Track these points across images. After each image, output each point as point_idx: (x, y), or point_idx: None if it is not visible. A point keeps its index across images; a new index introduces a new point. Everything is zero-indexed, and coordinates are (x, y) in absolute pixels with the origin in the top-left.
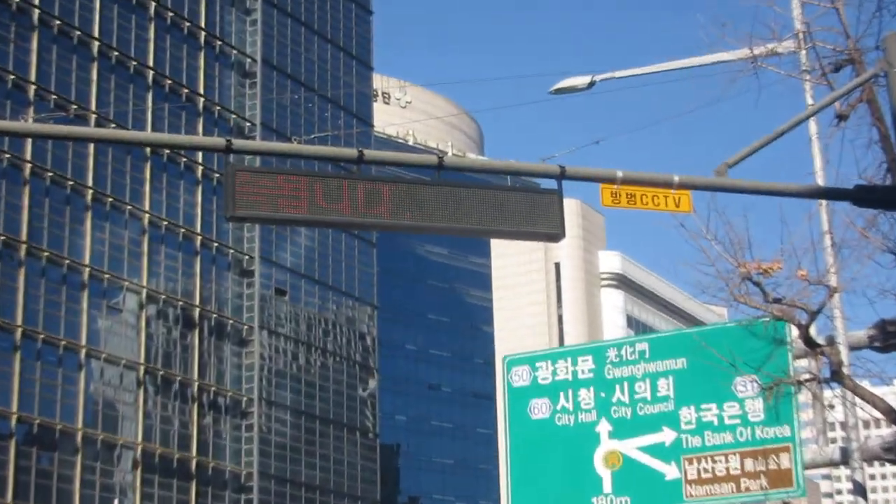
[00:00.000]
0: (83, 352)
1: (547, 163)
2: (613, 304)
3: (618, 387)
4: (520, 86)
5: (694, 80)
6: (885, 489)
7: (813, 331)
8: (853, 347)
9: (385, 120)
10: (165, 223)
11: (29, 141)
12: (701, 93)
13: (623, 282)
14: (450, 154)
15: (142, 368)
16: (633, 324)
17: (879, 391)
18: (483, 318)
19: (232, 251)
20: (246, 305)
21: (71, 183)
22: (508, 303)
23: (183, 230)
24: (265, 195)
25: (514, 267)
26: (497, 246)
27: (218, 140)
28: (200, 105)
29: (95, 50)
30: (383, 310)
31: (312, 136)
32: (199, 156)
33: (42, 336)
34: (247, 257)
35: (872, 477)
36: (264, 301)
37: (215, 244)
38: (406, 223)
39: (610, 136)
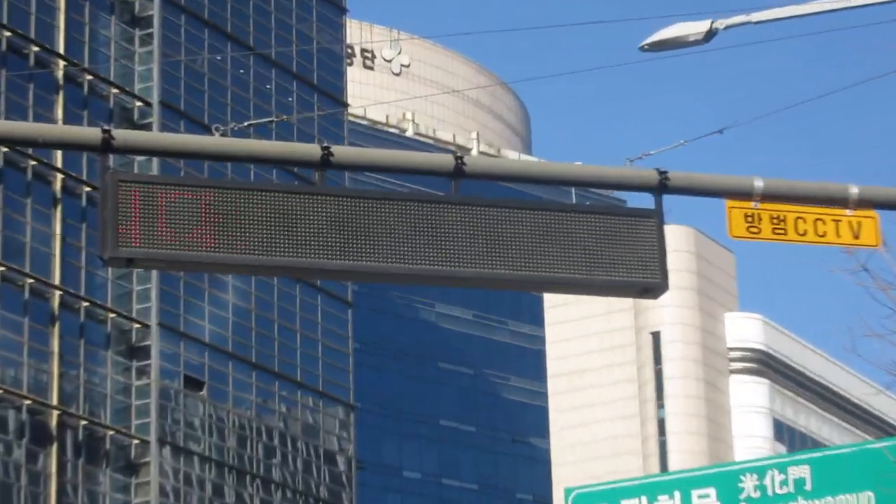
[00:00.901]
0: None
1: (636, 166)
2: (751, 400)
3: None
4: (590, 43)
5: (871, 31)
6: None
7: None
8: None
9: (368, 95)
10: (2, 270)
11: None
12: (883, 52)
13: (767, 364)
14: (475, 153)
15: None
16: (785, 433)
17: None
18: (533, 425)
19: (113, 316)
20: (136, 406)
21: None
22: (575, 399)
23: (31, 281)
24: (167, 222)
25: (583, 339)
26: (556, 305)
27: (90, 131)
28: (60, 73)
29: None
30: (367, 412)
31: (246, 124)
32: (58, 157)
33: None
34: (137, 326)
35: None
36: (167, 399)
37: (84, 304)
38: (403, 269)
39: (741, 123)
